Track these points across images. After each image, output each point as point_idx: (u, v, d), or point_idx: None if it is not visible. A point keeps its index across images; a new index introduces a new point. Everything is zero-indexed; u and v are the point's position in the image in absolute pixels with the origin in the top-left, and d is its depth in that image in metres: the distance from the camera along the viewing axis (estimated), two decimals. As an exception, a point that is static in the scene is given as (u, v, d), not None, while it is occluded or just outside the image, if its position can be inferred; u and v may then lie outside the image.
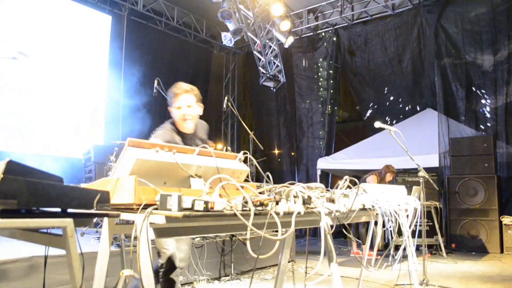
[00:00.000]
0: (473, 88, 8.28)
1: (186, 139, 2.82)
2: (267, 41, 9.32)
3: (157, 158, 1.77)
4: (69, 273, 1.53)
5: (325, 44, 10.43)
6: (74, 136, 7.74)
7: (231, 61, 12.27)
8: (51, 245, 1.66)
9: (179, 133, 2.80)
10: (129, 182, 1.60)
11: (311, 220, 2.01)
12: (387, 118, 9.59)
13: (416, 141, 7.46)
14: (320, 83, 10.64)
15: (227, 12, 8.16)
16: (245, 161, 2.22)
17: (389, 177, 6.73)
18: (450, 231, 7.40)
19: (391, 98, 9.71)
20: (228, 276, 4.87)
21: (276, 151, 11.72)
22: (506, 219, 6.95)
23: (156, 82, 6.13)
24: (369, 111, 10.03)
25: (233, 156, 2.19)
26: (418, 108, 9.35)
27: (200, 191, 1.68)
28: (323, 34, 10.48)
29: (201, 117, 2.98)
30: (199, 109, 2.85)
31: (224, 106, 7.36)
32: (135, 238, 1.45)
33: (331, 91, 10.35)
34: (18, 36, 7.09)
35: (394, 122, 9.43)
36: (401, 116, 9.40)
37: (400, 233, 2.83)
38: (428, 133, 8.12)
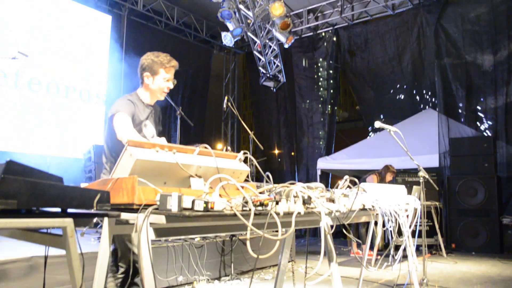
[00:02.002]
0: (473, 88, 8.28)
1: (150, 109, 2.84)
2: (267, 41, 9.32)
3: (157, 158, 1.77)
4: (69, 273, 1.53)
5: (325, 44, 10.43)
6: (74, 136, 7.74)
7: (231, 61, 12.27)
8: (51, 245, 1.65)
9: (142, 103, 2.79)
10: (129, 182, 1.60)
11: (311, 220, 2.01)
12: (387, 118, 9.59)
13: (416, 141, 7.46)
14: (320, 83, 10.65)
15: (227, 12, 8.16)
16: (245, 161, 2.21)
17: (389, 177, 6.73)
18: (450, 231, 7.39)
19: (391, 98, 9.72)
20: (228, 276, 4.87)
21: (276, 151, 11.72)
22: (506, 219, 6.95)
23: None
24: (369, 111, 10.04)
25: (233, 156, 2.18)
26: (418, 108, 9.35)
27: (200, 191, 1.68)
28: (323, 34, 10.48)
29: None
30: None
31: (224, 106, 7.36)
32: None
33: (331, 91, 10.37)
34: (18, 36, 7.09)
35: (394, 122, 9.43)
36: (401, 116, 9.41)
37: (400, 233, 2.83)
38: (428, 133, 8.11)
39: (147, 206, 1.53)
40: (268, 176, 2.01)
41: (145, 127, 2.76)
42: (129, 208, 1.57)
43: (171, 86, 2.81)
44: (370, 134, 10.15)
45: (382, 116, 9.65)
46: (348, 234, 2.47)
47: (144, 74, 2.75)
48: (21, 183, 1.25)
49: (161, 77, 2.74)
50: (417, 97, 9.42)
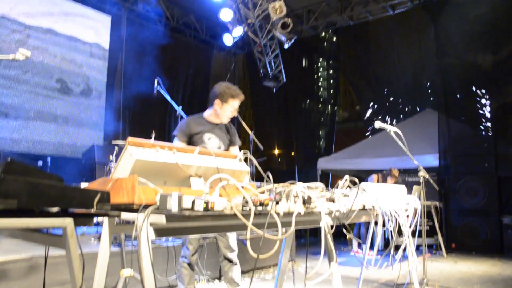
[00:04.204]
0: (473, 88, 8.27)
1: (212, 125, 3.25)
2: (267, 41, 9.32)
3: (157, 158, 1.77)
4: (69, 273, 1.53)
5: (325, 44, 10.43)
6: (74, 136, 7.74)
7: (231, 61, 12.26)
8: (51, 245, 1.65)
9: (204, 120, 3.23)
10: (129, 182, 1.60)
11: (311, 220, 2.01)
12: (387, 118, 9.59)
13: (416, 141, 7.46)
14: (320, 83, 10.65)
15: (227, 12, 8.17)
16: (245, 160, 2.21)
17: (390, 180, 6.68)
18: (450, 231, 7.39)
19: (391, 98, 9.72)
20: (228, 276, 4.85)
21: (276, 151, 11.71)
22: (506, 219, 6.94)
23: (156, 82, 6.12)
24: (369, 111, 10.04)
25: (233, 156, 2.18)
26: (418, 108, 9.35)
27: (200, 191, 1.68)
28: (323, 34, 10.48)
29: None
30: None
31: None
32: (135, 238, 1.45)
33: (331, 91, 10.37)
34: (18, 35, 7.09)
35: (394, 122, 9.43)
36: (401, 116, 9.41)
37: (400, 232, 2.83)
38: (428, 133, 8.11)
39: (147, 206, 1.52)
40: (268, 176, 2.00)
41: (208, 140, 3.17)
42: (129, 208, 1.57)
43: (234, 115, 3.27)
44: (369, 134, 10.15)
45: (382, 116, 9.65)
46: (349, 234, 2.47)
47: (216, 100, 3.18)
48: (21, 183, 1.25)
49: (228, 106, 3.19)
50: (417, 97, 9.42)
